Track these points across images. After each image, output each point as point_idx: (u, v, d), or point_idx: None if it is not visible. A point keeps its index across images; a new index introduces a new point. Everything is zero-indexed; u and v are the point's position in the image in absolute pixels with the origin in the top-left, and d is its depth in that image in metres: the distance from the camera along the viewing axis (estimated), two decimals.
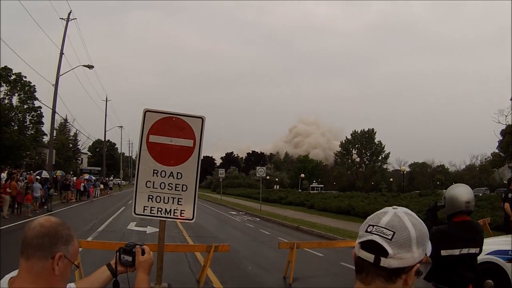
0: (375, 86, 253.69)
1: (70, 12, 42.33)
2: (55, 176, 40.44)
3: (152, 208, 7.81)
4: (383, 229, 1.57)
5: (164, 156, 7.80)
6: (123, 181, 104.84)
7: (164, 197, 7.82)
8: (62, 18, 41.98)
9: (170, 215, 7.88)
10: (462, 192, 4.81)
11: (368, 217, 1.66)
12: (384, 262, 1.55)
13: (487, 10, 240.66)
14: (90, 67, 45.15)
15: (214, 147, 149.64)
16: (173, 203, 7.85)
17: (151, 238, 17.06)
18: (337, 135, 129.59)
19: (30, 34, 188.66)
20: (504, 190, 13.85)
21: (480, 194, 46.20)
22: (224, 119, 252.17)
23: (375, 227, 1.59)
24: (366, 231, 1.60)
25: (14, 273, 1.98)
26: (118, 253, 2.56)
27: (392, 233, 1.57)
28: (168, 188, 7.83)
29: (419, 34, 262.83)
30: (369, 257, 1.57)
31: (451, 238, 4.70)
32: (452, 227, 4.82)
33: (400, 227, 1.59)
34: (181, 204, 7.88)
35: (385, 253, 1.55)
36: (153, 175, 7.80)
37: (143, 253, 2.52)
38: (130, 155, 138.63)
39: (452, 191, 4.87)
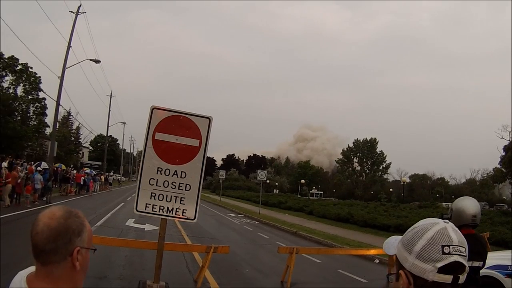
0: (380, 97, 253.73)
1: (80, 5, 42.36)
2: (56, 169, 40.38)
3: (154, 206, 7.77)
4: (459, 247, 1.54)
5: (169, 154, 7.76)
6: (123, 177, 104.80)
7: (167, 196, 7.78)
8: (71, 11, 41.97)
9: (172, 214, 7.84)
10: (469, 205, 4.77)
11: (429, 236, 1.56)
12: (461, 279, 1.54)
13: (494, 27, 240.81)
14: (97, 61, 45.14)
15: (216, 148, 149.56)
16: (175, 202, 7.82)
17: (149, 236, 17.01)
18: (342, 143, 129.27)
19: (39, 26, 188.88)
20: None
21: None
22: (229, 124, 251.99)
23: (451, 247, 1.53)
24: (443, 253, 1.52)
25: (29, 270, 1.88)
26: None
27: (464, 249, 1.56)
28: (171, 187, 7.80)
29: (426, 48, 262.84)
30: (448, 278, 1.52)
31: None
32: None
33: (465, 241, 1.58)
34: (184, 204, 7.85)
35: (462, 270, 1.53)
36: (157, 173, 7.76)
37: None
38: (132, 151, 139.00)
39: (459, 204, 4.83)
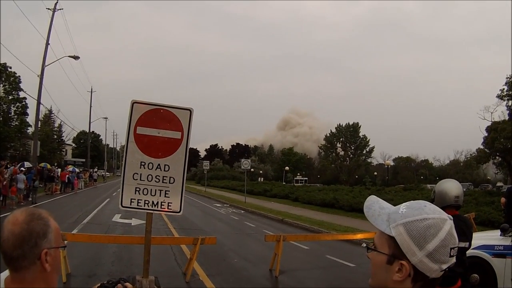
0: (362, 81, 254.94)
1: (57, 2, 41.92)
2: (41, 168, 40.12)
3: (139, 201, 7.75)
4: (457, 247, 1.61)
5: (151, 148, 7.74)
6: (107, 173, 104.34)
7: (151, 190, 7.77)
8: (48, 8, 41.55)
9: (157, 207, 7.83)
10: (451, 187, 4.84)
11: (442, 237, 1.55)
12: None
13: (477, 10, 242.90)
14: (76, 57, 44.76)
15: (201, 139, 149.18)
16: (160, 196, 7.80)
17: (136, 230, 17.01)
18: (329, 129, 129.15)
19: (15, 24, 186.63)
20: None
21: (464, 189, 46.36)
22: (213, 113, 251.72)
23: (455, 249, 1.57)
24: (450, 256, 1.56)
25: (8, 273, 1.88)
26: None
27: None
28: (155, 181, 7.78)
29: (407, 31, 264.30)
30: (440, 274, 1.59)
31: None
32: None
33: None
34: (168, 197, 7.84)
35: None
36: (140, 167, 7.74)
37: None
38: (115, 146, 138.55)
39: (442, 186, 4.90)
